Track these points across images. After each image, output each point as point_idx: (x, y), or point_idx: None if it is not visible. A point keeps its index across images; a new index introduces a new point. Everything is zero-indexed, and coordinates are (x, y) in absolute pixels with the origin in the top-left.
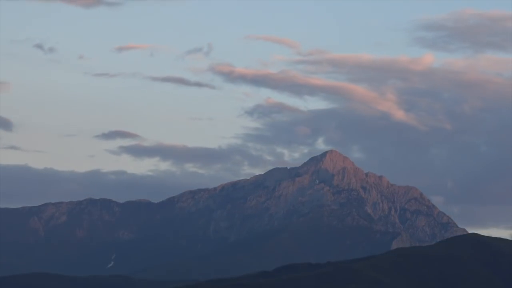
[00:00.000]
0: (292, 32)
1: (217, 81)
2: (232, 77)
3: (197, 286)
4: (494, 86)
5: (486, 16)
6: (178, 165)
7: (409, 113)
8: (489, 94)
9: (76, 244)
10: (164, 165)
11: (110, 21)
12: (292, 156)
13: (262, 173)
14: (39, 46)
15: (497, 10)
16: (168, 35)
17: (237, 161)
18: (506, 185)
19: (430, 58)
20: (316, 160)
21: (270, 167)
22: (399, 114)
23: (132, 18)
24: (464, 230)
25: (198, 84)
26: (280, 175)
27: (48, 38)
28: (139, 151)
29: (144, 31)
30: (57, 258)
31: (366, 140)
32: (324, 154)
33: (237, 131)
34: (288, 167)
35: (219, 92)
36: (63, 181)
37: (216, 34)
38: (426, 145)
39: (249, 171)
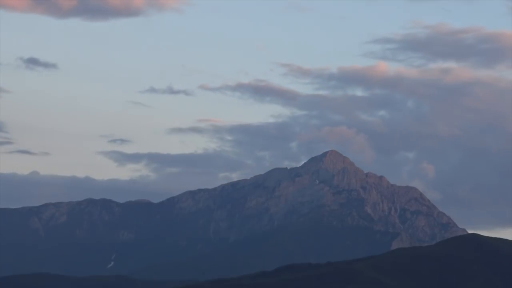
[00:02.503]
0: (258, 47)
1: (193, 91)
2: (207, 87)
3: (197, 286)
4: (452, 92)
5: (436, 30)
6: (160, 170)
7: (376, 118)
8: (450, 100)
9: (76, 244)
10: (146, 171)
11: (87, 32)
12: (270, 160)
13: (257, 175)
14: (20, 57)
15: (447, 24)
16: (142, 50)
17: (217, 165)
18: (473, 188)
19: (384, 67)
20: (316, 160)
21: (249, 171)
22: (368, 120)
23: (109, 31)
24: (464, 230)
25: (176, 93)
26: (280, 175)
27: (27, 48)
28: (122, 157)
29: (120, 45)
30: (57, 258)
31: (337, 145)
32: (324, 154)
33: (212, 136)
34: (288, 167)
35: (195, 100)
36: (46, 185)
37: (189, 50)
38: (395, 150)
39: (227, 175)
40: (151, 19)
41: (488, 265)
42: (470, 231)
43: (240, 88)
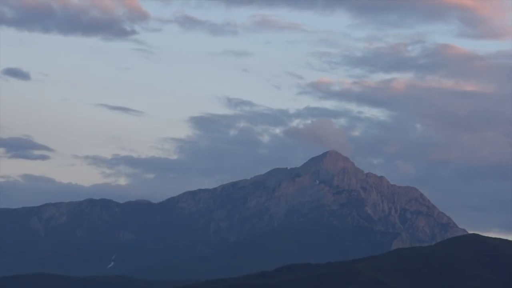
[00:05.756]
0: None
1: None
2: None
3: (197, 286)
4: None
5: (372, 45)
6: (138, 176)
7: (342, 128)
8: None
9: (76, 244)
10: (124, 175)
11: (63, 45)
12: (243, 166)
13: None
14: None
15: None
16: (116, 65)
17: (192, 170)
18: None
19: (326, 79)
20: (316, 160)
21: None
22: (332, 129)
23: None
24: (464, 230)
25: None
26: (280, 176)
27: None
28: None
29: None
30: (57, 258)
31: (306, 153)
32: (325, 154)
33: (185, 142)
34: (288, 168)
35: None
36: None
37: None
38: (362, 157)
39: (201, 179)
40: (125, 35)
41: (488, 265)
42: None
43: (212, 98)
